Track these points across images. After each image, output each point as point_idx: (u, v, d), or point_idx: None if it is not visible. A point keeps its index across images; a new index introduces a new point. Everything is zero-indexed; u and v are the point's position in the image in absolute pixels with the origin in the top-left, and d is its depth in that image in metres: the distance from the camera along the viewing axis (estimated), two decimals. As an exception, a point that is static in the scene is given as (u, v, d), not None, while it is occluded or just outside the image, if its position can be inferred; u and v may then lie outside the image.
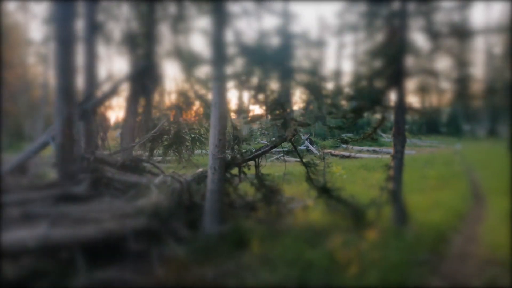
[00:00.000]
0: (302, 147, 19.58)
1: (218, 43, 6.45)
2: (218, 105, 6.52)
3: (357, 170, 9.51)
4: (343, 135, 26.34)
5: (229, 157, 7.29)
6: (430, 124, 31.56)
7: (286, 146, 18.76)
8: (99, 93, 9.41)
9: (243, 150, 8.52)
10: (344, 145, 22.77)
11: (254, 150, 8.42)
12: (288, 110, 7.88)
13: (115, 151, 9.34)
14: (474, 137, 28.95)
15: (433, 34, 7.75)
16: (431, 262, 4.58)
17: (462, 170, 9.13)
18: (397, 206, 6.22)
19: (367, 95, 7.06)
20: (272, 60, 6.58)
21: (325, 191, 6.78)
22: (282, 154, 17.43)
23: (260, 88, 6.99)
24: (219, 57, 6.43)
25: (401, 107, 6.85)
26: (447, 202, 6.33)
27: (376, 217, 6.06)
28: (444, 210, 5.90)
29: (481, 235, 5.38)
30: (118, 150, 9.45)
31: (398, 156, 6.73)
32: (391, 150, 21.71)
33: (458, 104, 32.68)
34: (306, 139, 19.91)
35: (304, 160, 7.86)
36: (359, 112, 7.34)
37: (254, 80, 6.89)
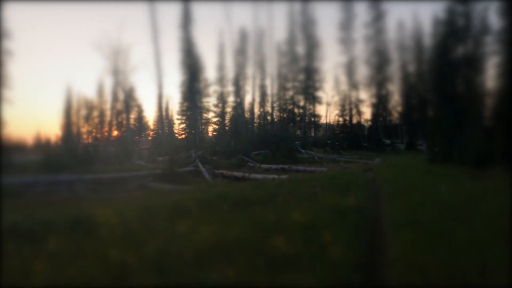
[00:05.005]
0: (189, 168, 14.58)
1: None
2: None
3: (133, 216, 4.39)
4: (255, 152, 22.00)
5: None
6: (352, 138, 28.67)
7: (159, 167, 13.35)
8: None
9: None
10: (250, 164, 18.27)
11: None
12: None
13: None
14: (394, 151, 26.38)
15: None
16: None
17: (358, 203, 4.55)
18: None
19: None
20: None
21: None
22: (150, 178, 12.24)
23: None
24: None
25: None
26: None
27: None
28: None
29: None
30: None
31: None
32: (304, 167, 16.40)
33: (378, 118, 29.92)
34: (197, 158, 14.92)
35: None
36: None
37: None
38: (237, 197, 5.76)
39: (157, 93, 20.64)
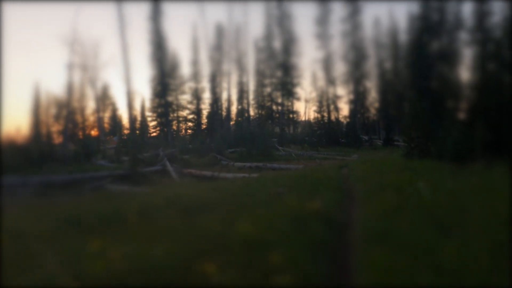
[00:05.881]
0: (156, 167, 13.55)
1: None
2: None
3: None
4: (230, 150, 21.14)
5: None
6: (329, 135, 28.25)
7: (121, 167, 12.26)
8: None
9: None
10: (224, 162, 17.40)
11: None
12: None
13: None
14: (372, 147, 26.17)
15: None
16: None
17: (325, 206, 3.80)
18: None
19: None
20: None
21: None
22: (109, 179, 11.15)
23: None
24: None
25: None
26: None
27: None
28: None
29: None
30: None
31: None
32: (279, 165, 15.43)
33: (356, 115, 29.63)
34: (165, 156, 13.91)
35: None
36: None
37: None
38: (190, 201, 4.90)
39: (126, 89, 19.24)
